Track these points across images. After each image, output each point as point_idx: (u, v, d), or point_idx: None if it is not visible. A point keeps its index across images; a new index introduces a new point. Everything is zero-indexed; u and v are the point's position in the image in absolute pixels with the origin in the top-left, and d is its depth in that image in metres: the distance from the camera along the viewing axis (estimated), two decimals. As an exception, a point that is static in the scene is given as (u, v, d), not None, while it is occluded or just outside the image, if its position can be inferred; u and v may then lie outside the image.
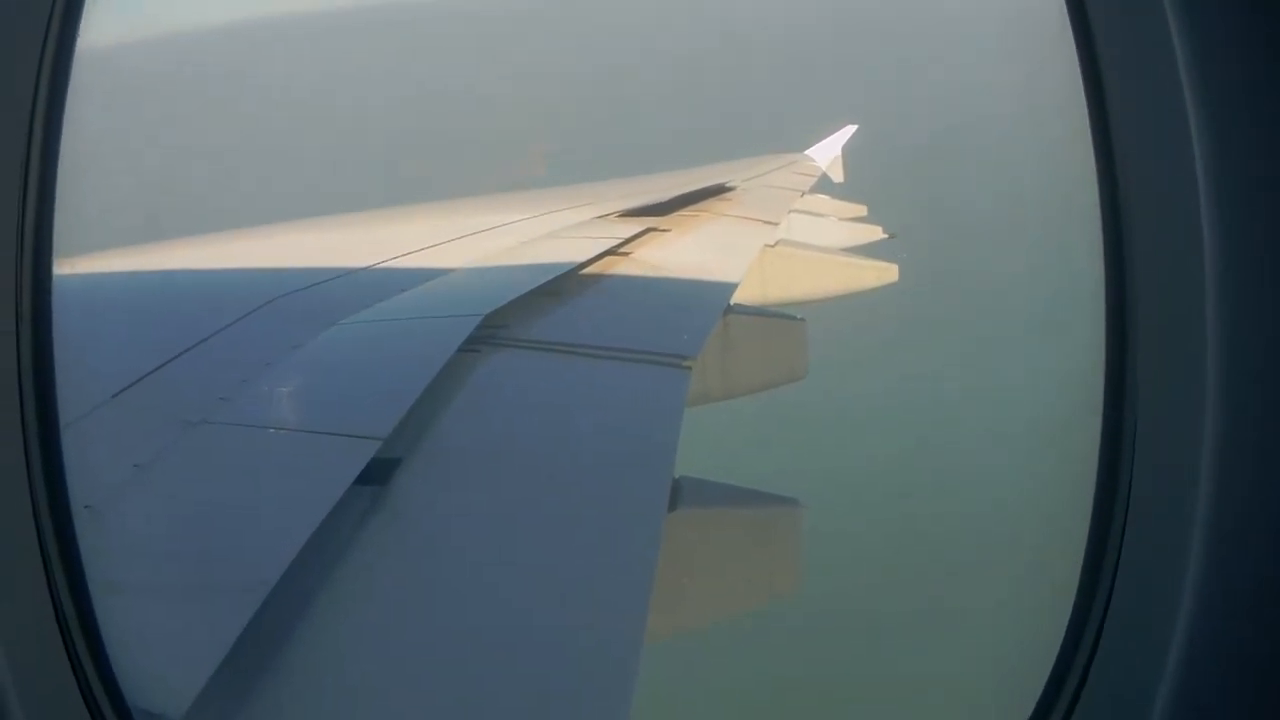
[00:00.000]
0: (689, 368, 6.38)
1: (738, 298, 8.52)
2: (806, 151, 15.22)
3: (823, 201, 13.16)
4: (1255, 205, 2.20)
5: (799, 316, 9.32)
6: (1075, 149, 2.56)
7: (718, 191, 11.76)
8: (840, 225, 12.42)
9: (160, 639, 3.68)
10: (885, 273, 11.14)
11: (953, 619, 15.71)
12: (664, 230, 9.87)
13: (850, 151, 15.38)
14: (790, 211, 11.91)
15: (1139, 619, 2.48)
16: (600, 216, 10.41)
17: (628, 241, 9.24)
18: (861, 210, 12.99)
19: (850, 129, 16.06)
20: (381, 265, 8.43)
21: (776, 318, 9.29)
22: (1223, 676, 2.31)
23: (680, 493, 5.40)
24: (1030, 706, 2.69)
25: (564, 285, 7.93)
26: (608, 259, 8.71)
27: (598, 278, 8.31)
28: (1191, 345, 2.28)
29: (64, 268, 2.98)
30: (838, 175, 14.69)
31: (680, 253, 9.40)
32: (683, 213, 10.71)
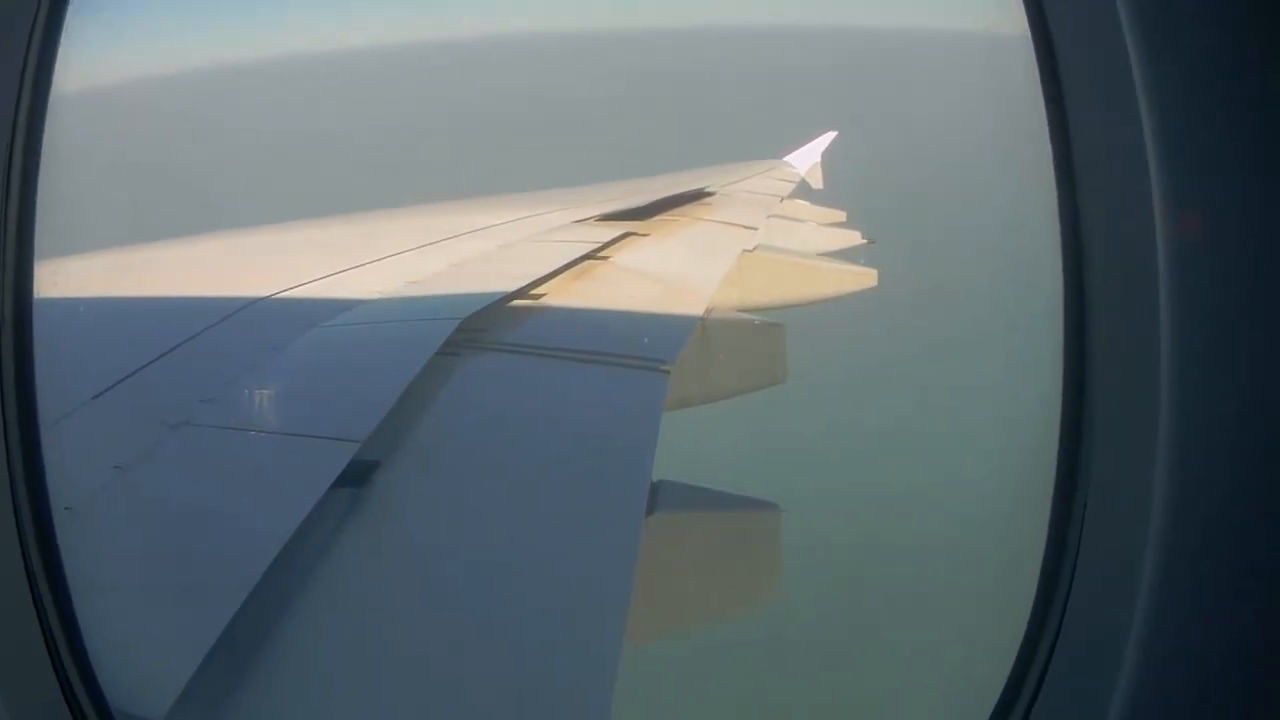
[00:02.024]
0: (667, 372, 6.41)
1: (716, 302, 8.55)
2: (785, 158, 15.26)
3: (801, 207, 13.18)
4: (1206, 210, 2.26)
5: (778, 321, 9.34)
6: (1042, 156, 2.61)
7: (697, 196, 11.79)
8: (819, 230, 12.44)
9: (140, 640, 3.69)
10: (864, 277, 11.17)
11: (916, 620, 15.76)
12: (643, 235, 9.91)
13: (829, 157, 15.41)
14: (769, 217, 11.93)
15: (1096, 621, 2.52)
16: (579, 220, 10.43)
17: (606, 246, 9.26)
18: (840, 216, 13.01)
19: (829, 135, 16.09)
20: (362, 268, 8.44)
21: (755, 322, 9.31)
22: (1178, 677, 2.34)
23: (658, 496, 5.43)
24: (989, 708, 2.73)
25: (543, 289, 7.95)
26: (586, 263, 8.73)
27: (576, 282, 8.33)
28: (1146, 347, 2.32)
29: (45, 271, 3.01)
30: (816, 181, 14.73)
31: (659, 257, 9.43)
32: (662, 217, 10.75)
